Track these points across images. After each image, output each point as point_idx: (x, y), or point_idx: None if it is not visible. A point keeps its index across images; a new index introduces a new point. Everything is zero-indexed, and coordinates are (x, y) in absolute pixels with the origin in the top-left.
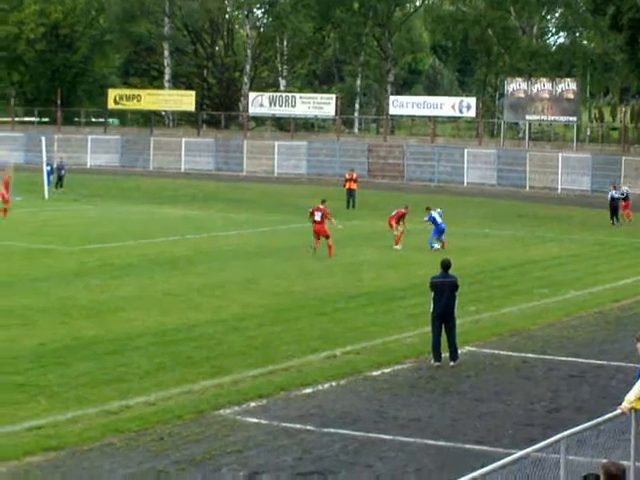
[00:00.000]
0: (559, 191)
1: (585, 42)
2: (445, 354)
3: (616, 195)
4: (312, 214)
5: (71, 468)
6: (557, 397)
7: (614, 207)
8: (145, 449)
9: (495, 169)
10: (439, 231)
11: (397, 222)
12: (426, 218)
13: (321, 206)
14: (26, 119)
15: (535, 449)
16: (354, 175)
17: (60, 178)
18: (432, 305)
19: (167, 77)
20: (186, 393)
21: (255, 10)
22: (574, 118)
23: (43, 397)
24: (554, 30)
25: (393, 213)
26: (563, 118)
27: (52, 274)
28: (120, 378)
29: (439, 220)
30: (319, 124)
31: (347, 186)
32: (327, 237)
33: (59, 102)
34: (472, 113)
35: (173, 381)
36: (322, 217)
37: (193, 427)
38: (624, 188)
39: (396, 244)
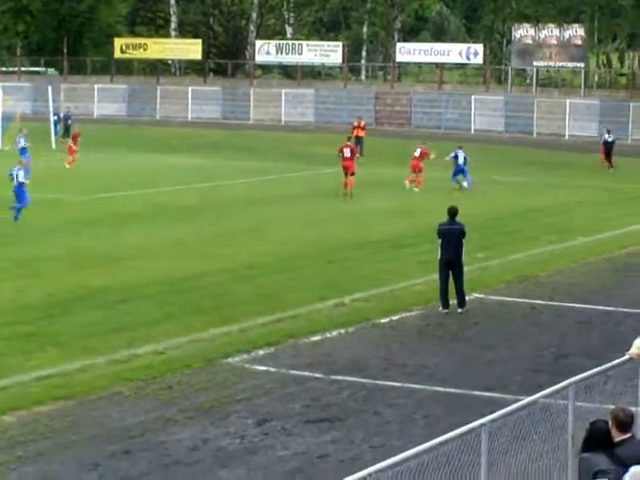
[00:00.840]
0: (567, 137)
1: None
2: (453, 301)
3: (610, 139)
4: (341, 151)
5: (80, 417)
6: (565, 343)
7: (608, 150)
8: (154, 397)
9: (503, 116)
10: (458, 171)
11: (421, 161)
12: (448, 156)
13: (349, 144)
14: (32, 69)
15: (543, 395)
16: (362, 123)
17: (67, 128)
18: (439, 252)
19: (173, 26)
20: (194, 342)
21: None
22: (582, 64)
23: (52, 346)
24: None
25: (416, 154)
26: (571, 64)
27: (60, 224)
28: (128, 327)
29: (460, 161)
30: (326, 72)
31: (355, 134)
32: (353, 174)
33: (65, 52)
34: (479, 60)
35: (181, 330)
36: (351, 154)
37: (201, 375)
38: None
39: (417, 185)
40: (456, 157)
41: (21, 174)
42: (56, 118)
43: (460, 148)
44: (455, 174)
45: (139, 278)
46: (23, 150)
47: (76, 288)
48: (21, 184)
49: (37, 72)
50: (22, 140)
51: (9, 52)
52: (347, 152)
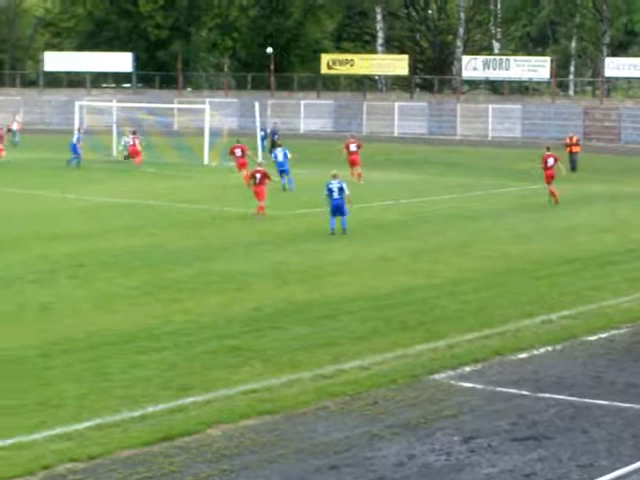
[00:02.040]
0: None
1: None
2: None
3: None
4: (347, 147)
5: (285, 431)
6: None
7: None
8: (359, 413)
9: None
10: None
11: None
12: None
13: (352, 139)
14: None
15: None
16: (575, 139)
17: (273, 143)
18: None
19: (380, 41)
20: (400, 357)
21: None
22: None
23: (258, 361)
24: None
25: None
26: None
27: (265, 239)
28: (334, 342)
29: None
30: (533, 87)
31: (569, 150)
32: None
33: (272, 68)
34: None
35: (387, 345)
36: (358, 148)
37: (407, 391)
38: None
39: None
40: None
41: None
42: (263, 133)
43: None
44: None
45: (344, 294)
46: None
47: (282, 303)
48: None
49: (244, 88)
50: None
51: (216, 69)
52: (353, 147)
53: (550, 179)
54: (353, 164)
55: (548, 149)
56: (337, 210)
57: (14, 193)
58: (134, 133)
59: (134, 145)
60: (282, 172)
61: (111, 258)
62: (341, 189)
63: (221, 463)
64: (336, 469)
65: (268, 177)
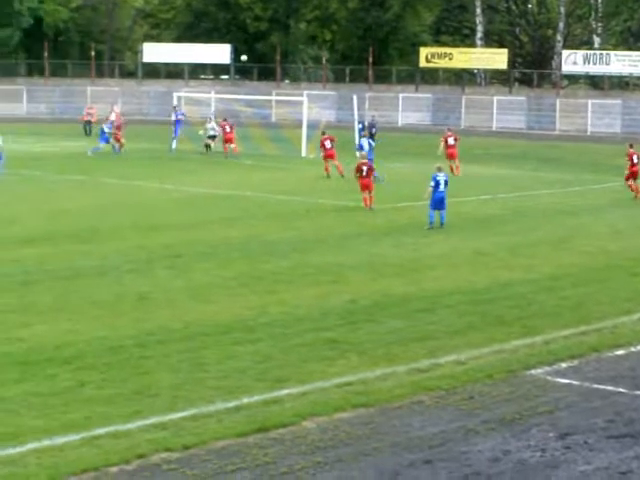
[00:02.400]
0: None
1: None
2: None
3: None
4: (445, 140)
5: (380, 425)
6: None
7: None
8: (455, 407)
9: None
10: None
11: None
12: None
13: (450, 133)
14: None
15: None
16: None
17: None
18: None
19: (479, 35)
20: (496, 352)
21: None
22: None
23: (353, 354)
24: None
25: None
26: None
27: (362, 231)
28: (430, 336)
29: None
30: (634, 82)
31: None
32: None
33: (370, 60)
34: None
35: (483, 340)
36: (455, 141)
37: (503, 387)
38: None
39: None
40: None
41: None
42: (361, 126)
43: None
44: None
45: (441, 287)
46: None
47: (378, 296)
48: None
49: (342, 81)
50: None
51: (315, 61)
52: (451, 140)
53: (632, 176)
54: (451, 157)
55: (631, 146)
56: (439, 203)
57: (113, 184)
58: (225, 120)
59: (230, 132)
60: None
61: (208, 249)
62: (446, 182)
63: (315, 455)
64: (430, 463)
65: (373, 170)
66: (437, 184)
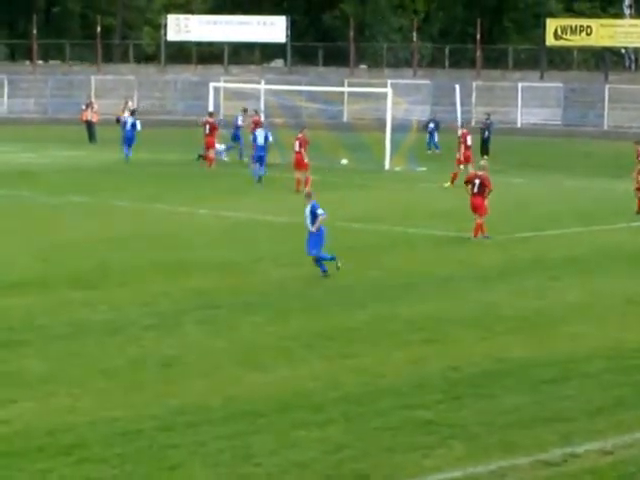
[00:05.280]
0: None
1: None
2: None
3: None
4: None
5: None
6: None
7: None
8: None
9: None
10: None
11: None
12: None
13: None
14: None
15: None
16: None
17: (484, 141)
18: None
19: (627, 1)
20: None
21: None
22: None
23: (457, 440)
24: None
25: None
26: None
27: (468, 271)
28: (563, 416)
29: None
30: None
31: None
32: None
33: (478, 37)
34: None
35: (637, 422)
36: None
37: None
38: None
39: None
40: None
41: None
42: (433, 126)
43: None
44: None
45: (578, 349)
46: None
47: (490, 361)
48: None
49: (440, 65)
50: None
51: (403, 39)
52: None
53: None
54: (467, 161)
55: None
56: None
57: (127, 208)
58: (256, 112)
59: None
60: (260, 158)
61: (257, 297)
62: None
63: None
64: None
65: (489, 185)
66: None
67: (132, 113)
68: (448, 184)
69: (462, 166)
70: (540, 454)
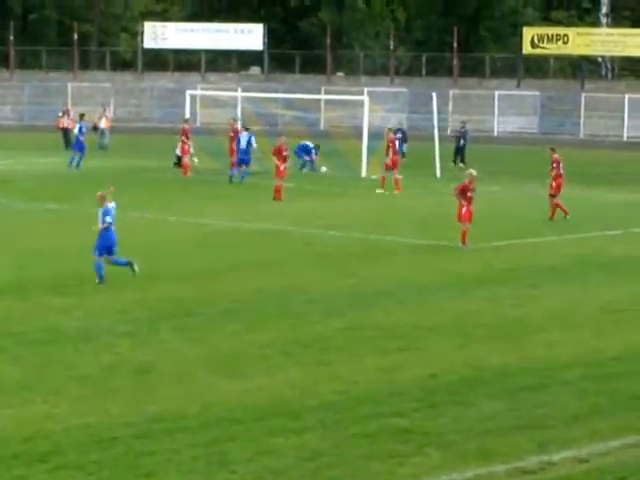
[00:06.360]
0: None
1: None
2: None
3: None
4: None
5: None
6: None
7: None
8: None
9: None
10: None
11: None
12: None
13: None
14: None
15: None
16: None
17: (459, 150)
18: None
19: (604, 10)
20: (631, 447)
21: None
22: None
23: (433, 448)
24: None
25: None
26: None
27: (445, 279)
28: (539, 424)
29: None
30: None
31: None
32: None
33: (455, 45)
34: None
35: (612, 429)
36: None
37: None
38: None
39: None
40: None
41: None
42: (401, 135)
43: None
44: None
45: (555, 357)
46: None
47: (467, 368)
48: None
49: (416, 72)
50: None
51: (379, 46)
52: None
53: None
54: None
55: None
56: None
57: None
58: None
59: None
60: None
61: (234, 304)
62: None
63: None
64: None
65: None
66: None
67: (81, 117)
68: (380, 190)
69: (388, 171)
70: (516, 462)
